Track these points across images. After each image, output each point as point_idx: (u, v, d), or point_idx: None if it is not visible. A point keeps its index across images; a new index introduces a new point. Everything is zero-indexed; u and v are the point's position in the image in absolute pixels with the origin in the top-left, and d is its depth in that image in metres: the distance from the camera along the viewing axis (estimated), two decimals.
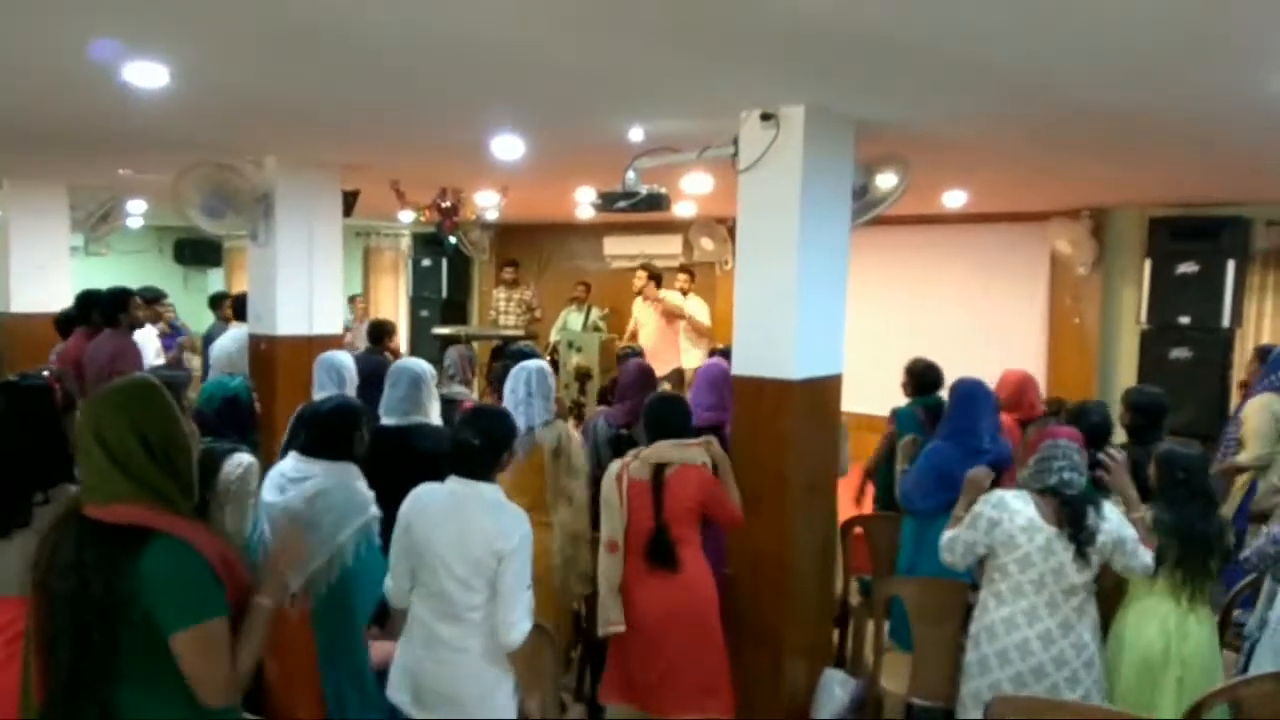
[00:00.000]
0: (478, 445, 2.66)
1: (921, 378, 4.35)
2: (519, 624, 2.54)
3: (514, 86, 3.39)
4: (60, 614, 1.82)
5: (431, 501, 2.68)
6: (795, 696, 3.54)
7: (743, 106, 3.43)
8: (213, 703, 1.86)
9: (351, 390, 3.90)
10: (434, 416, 3.74)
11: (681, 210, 7.74)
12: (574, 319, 9.19)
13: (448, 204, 6.39)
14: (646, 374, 4.38)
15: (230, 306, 6.35)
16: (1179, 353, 6.77)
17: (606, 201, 3.75)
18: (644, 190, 3.78)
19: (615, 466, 3.29)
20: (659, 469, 3.21)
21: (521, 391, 3.68)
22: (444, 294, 10.70)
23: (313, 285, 5.21)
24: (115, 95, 3.42)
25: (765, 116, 3.35)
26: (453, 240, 6.60)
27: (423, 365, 3.77)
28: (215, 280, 12.96)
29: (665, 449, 3.25)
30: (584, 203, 7.03)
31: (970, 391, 3.80)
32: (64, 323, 5.54)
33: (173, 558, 1.81)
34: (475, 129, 4.19)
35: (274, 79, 3.36)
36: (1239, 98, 3.20)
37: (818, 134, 3.40)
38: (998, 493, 2.98)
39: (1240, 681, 2.68)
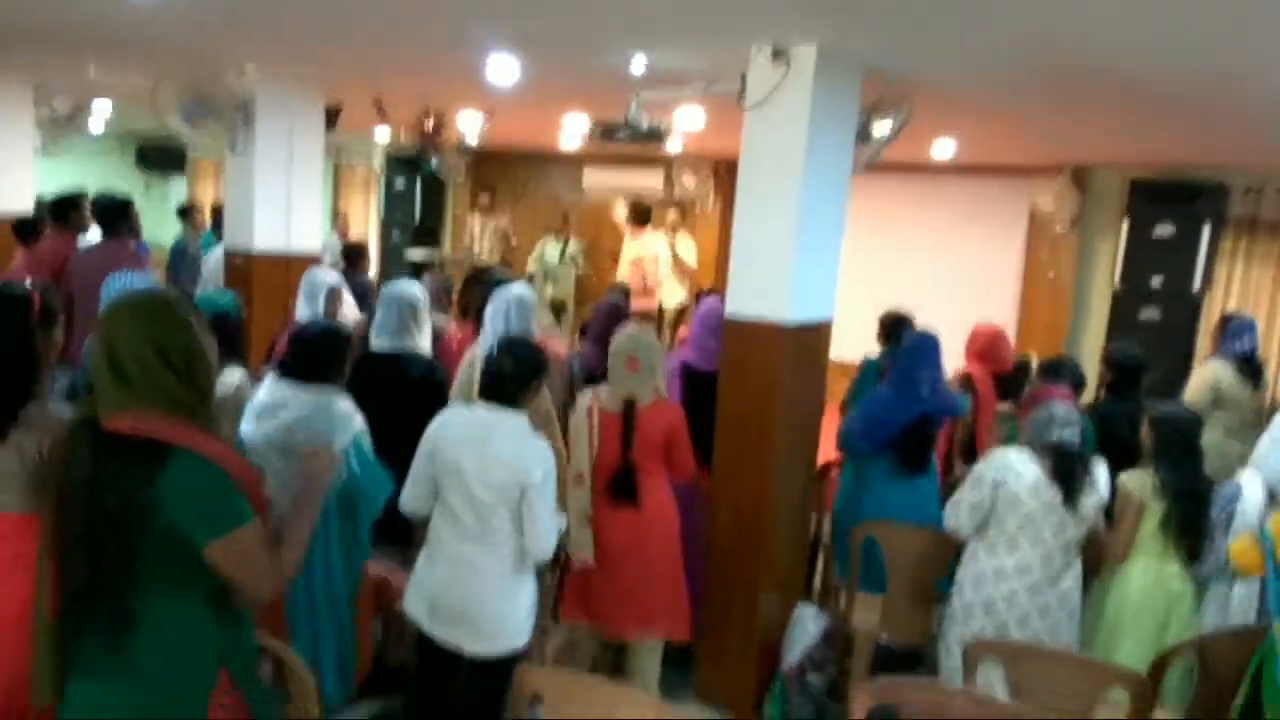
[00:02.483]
0: (510, 372, 2.68)
1: (891, 329, 4.40)
2: (548, 546, 2.71)
3: (516, 2, 3.27)
4: (75, 526, 1.80)
5: (459, 425, 2.73)
6: (768, 631, 3.62)
7: (752, 41, 3.36)
8: (263, 598, 1.94)
9: (333, 311, 3.82)
10: (424, 344, 3.69)
11: (668, 146, 7.63)
12: (551, 250, 9.10)
13: (431, 124, 6.23)
14: (618, 317, 4.33)
15: (210, 217, 6.17)
16: (1148, 314, 6.90)
17: (607, 133, 3.69)
18: (645, 123, 3.71)
19: (586, 399, 3.32)
20: (630, 403, 3.24)
21: (501, 323, 3.64)
22: (417, 218, 10.50)
23: (291, 200, 5.07)
24: None
25: (776, 54, 3.28)
26: (434, 162, 6.43)
27: (415, 289, 3.71)
28: (178, 188, 12.59)
29: (635, 385, 3.26)
30: (570, 132, 6.89)
31: (913, 344, 3.85)
32: (23, 228, 5.34)
33: (194, 473, 1.79)
34: (471, 47, 4.05)
35: None
36: (1232, 63, 3.20)
37: (827, 75, 3.34)
38: (999, 453, 3.03)
39: (1205, 636, 2.79)
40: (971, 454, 4.29)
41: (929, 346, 3.77)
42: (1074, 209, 7.13)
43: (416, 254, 9.34)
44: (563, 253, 9.08)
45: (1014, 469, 2.99)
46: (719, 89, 3.54)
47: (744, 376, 3.55)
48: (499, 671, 2.76)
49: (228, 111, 4.61)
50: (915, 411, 3.68)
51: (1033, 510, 2.96)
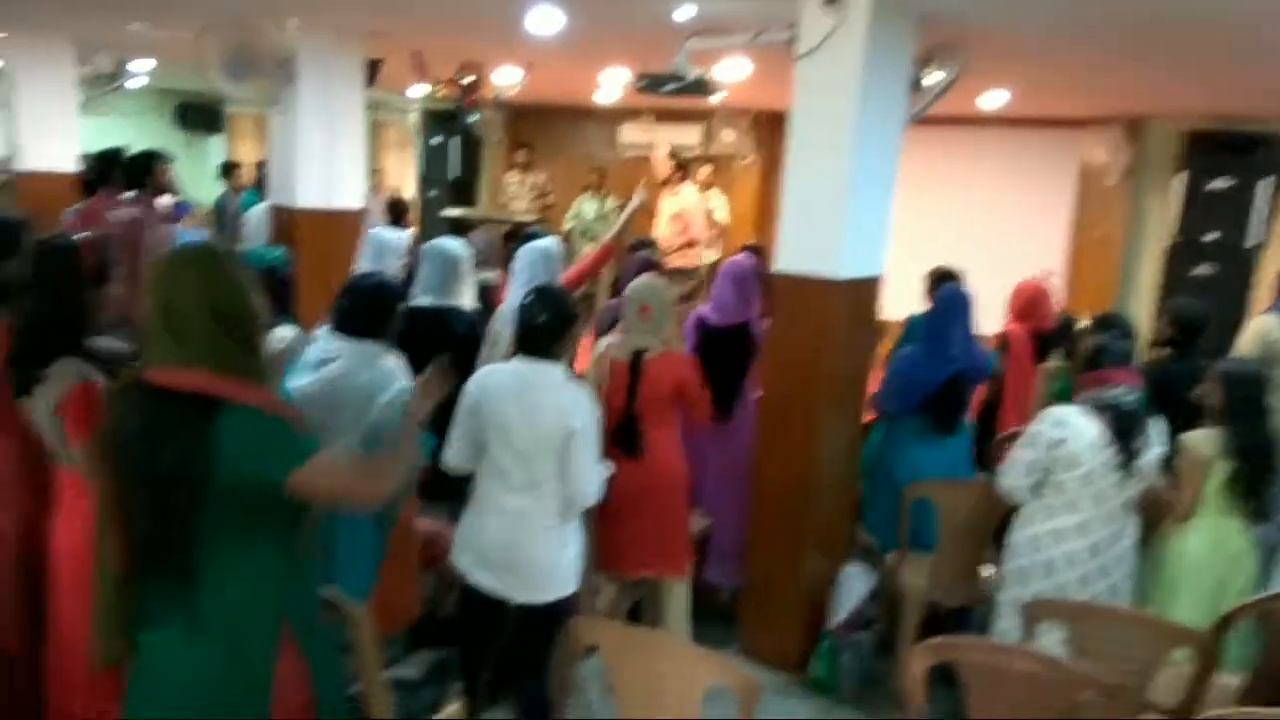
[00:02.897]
0: (544, 323, 2.67)
1: (937, 285, 4.30)
2: (592, 491, 2.74)
3: None
4: (133, 483, 1.81)
5: (498, 381, 2.73)
6: (814, 588, 3.61)
7: None
8: (368, 507, 2.01)
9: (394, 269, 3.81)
10: (467, 299, 3.68)
11: (713, 98, 7.48)
12: (588, 207, 9.02)
13: (469, 79, 6.16)
14: (648, 267, 4.28)
15: (254, 174, 6.18)
16: (1202, 269, 6.74)
17: (653, 84, 3.62)
18: (692, 74, 3.63)
19: (602, 346, 3.33)
20: (638, 354, 3.24)
21: (526, 276, 3.61)
22: (453, 175, 10.46)
23: (333, 156, 5.05)
24: None
25: (829, 0, 3.18)
26: (472, 118, 6.37)
27: (458, 246, 3.69)
28: (216, 147, 12.63)
29: (645, 336, 3.27)
30: (609, 86, 6.79)
31: (943, 301, 3.78)
32: (87, 183, 5.39)
33: (248, 424, 1.79)
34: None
35: None
36: None
37: (882, 21, 3.24)
38: (1057, 410, 2.95)
39: (1270, 597, 2.73)
40: (990, 417, 4.23)
41: (960, 303, 3.71)
42: (1127, 162, 6.92)
43: (454, 211, 9.31)
44: (599, 209, 9.00)
45: (1072, 426, 2.91)
46: (768, 38, 3.45)
47: (794, 332, 3.50)
48: (549, 618, 2.80)
49: (270, 67, 4.58)
50: (947, 371, 3.63)
51: (1092, 469, 2.89)
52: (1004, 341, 4.23)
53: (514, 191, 9.34)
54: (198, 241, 1.89)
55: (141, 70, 7.75)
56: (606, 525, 3.26)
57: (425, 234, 9.45)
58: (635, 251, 4.92)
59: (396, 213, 5.76)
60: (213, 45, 4.46)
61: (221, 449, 1.75)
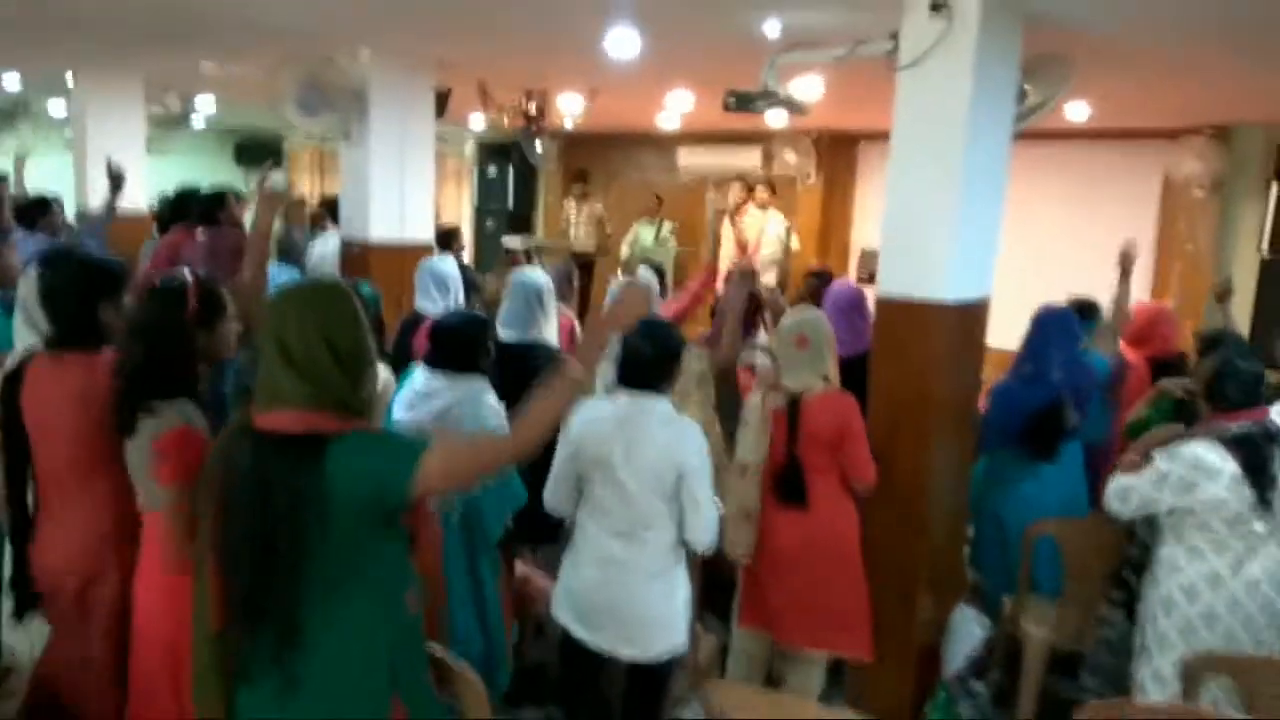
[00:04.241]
0: (651, 356, 2.51)
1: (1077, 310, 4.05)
2: (710, 534, 2.54)
3: None
4: (239, 532, 1.71)
5: (602, 417, 2.57)
6: (928, 635, 3.38)
7: None
8: (514, 462, 1.89)
9: (457, 300, 3.71)
10: (550, 334, 3.54)
11: (770, 120, 7.34)
12: (645, 233, 8.90)
13: (534, 107, 6.09)
14: (750, 296, 4.10)
15: (322, 210, 6.16)
16: None
17: (741, 102, 3.44)
18: (782, 91, 3.47)
19: (759, 393, 3.09)
20: (795, 395, 3.03)
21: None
22: (510, 205, 10.44)
23: (404, 188, 4.98)
24: None
25: (935, 6, 3.01)
26: (539, 147, 6.29)
27: (541, 278, 3.56)
28: (276, 182, 12.81)
29: (804, 373, 3.04)
30: (672, 109, 6.68)
31: (1039, 320, 3.58)
32: (162, 220, 5.40)
33: (356, 444, 1.69)
34: (590, 19, 3.87)
35: None
36: None
37: (990, 28, 3.06)
38: (1190, 450, 2.69)
39: None
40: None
41: (1058, 322, 3.49)
42: (1216, 172, 6.61)
43: (513, 241, 9.25)
44: (657, 234, 8.88)
45: (1207, 466, 2.64)
46: (868, 50, 3.28)
47: (899, 361, 3.29)
48: (658, 675, 2.64)
49: (343, 100, 4.53)
50: (1046, 395, 3.41)
51: (1240, 511, 2.64)
52: (1119, 369, 3.96)
53: (573, 220, 9.26)
54: (318, 278, 1.79)
55: (204, 108, 7.84)
56: (764, 582, 3.07)
57: (480, 265, 9.44)
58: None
59: (446, 241, 5.66)
60: (286, 80, 4.42)
61: (334, 478, 1.65)
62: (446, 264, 3.87)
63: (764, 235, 7.87)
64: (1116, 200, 7.36)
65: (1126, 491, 2.80)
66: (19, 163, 6.41)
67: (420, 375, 2.79)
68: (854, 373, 3.47)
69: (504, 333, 3.47)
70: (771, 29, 3.63)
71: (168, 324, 2.14)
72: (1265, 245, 6.47)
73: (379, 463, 1.69)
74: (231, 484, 1.72)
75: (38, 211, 4.77)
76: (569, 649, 2.72)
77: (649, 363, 2.57)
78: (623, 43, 4.05)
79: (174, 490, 2.05)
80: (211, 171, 11.66)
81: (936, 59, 3.06)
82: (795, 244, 7.92)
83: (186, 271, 2.27)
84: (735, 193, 7.91)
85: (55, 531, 2.36)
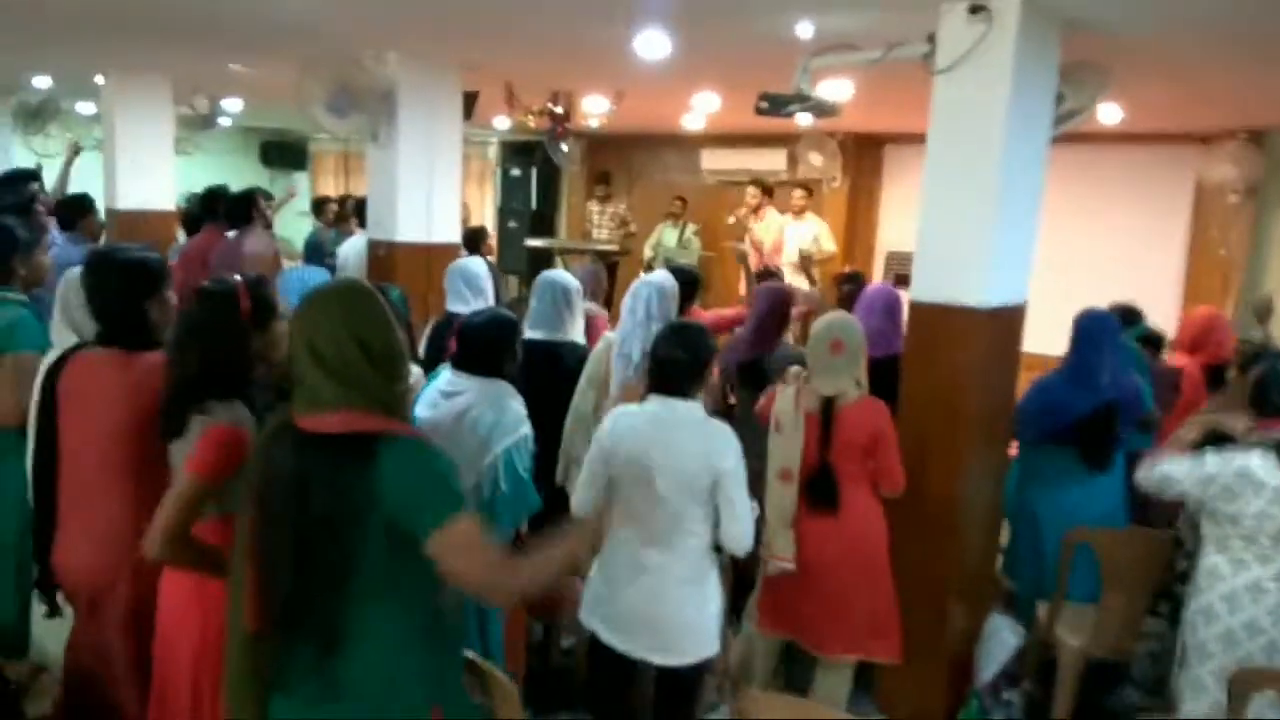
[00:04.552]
0: (682, 361, 2.49)
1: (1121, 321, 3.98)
2: (747, 534, 2.51)
3: None
4: (281, 536, 1.69)
5: (635, 424, 2.55)
6: (958, 642, 3.34)
7: None
8: (497, 602, 1.79)
9: (488, 300, 3.70)
10: (578, 333, 3.53)
11: (797, 122, 7.28)
12: (669, 235, 8.88)
13: (561, 109, 6.08)
14: (782, 301, 4.07)
15: (349, 211, 6.17)
16: None
17: (774, 105, 3.42)
18: (815, 94, 3.44)
19: (792, 390, 3.06)
20: (829, 401, 2.99)
21: (641, 312, 3.32)
22: (533, 205, 10.45)
23: (431, 190, 4.98)
24: None
25: (975, 9, 2.97)
26: (565, 148, 6.28)
27: (569, 278, 3.55)
28: (300, 184, 12.85)
29: (838, 377, 3.01)
30: (698, 110, 6.65)
31: (1090, 326, 3.47)
32: (189, 219, 5.42)
33: (413, 455, 1.67)
34: (619, 21, 3.85)
35: None
36: None
37: (1029, 30, 3.02)
38: (1243, 460, 2.64)
39: None
40: None
41: (1107, 328, 3.42)
42: (1250, 177, 6.51)
43: (537, 241, 9.27)
44: (680, 236, 8.85)
45: (1254, 478, 2.59)
46: (904, 53, 3.24)
47: (933, 367, 3.25)
48: (689, 680, 2.62)
49: (372, 102, 4.53)
50: (1095, 401, 3.33)
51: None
52: (1174, 377, 3.89)
53: (596, 221, 9.26)
54: (342, 279, 1.78)
55: (232, 110, 7.88)
56: (793, 588, 3.04)
57: (505, 267, 9.45)
58: (761, 281, 4.73)
59: (474, 241, 5.64)
60: (314, 82, 4.42)
61: (383, 485, 1.63)
62: (476, 265, 3.86)
63: (784, 240, 7.81)
64: (1149, 205, 7.27)
65: (1168, 479, 2.75)
66: (72, 153, 6.31)
67: (445, 375, 2.78)
68: (884, 374, 3.44)
69: (531, 333, 3.46)
70: (804, 31, 3.59)
71: (223, 326, 2.13)
72: None
73: (426, 491, 1.67)
74: (270, 484, 1.71)
75: (76, 212, 4.77)
76: (598, 654, 2.70)
77: (682, 368, 2.55)
78: (653, 45, 4.02)
79: (193, 480, 2.00)
80: (238, 172, 11.75)
81: (974, 62, 3.02)
82: (831, 246, 7.84)
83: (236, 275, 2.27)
84: (750, 195, 7.84)
85: (78, 529, 2.36)
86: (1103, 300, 4.47)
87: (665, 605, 2.53)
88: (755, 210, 7.85)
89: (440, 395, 2.77)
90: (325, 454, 1.66)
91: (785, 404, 3.05)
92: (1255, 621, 2.58)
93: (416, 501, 1.65)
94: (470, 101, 5.28)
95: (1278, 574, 2.61)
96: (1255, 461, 2.62)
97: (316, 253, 6.36)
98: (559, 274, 3.60)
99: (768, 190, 7.90)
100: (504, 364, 2.78)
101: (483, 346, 2.76)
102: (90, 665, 2.37)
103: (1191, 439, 2.86)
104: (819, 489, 2.99)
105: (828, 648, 3.08)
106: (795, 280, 7.75)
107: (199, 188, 5.74)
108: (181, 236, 5.77)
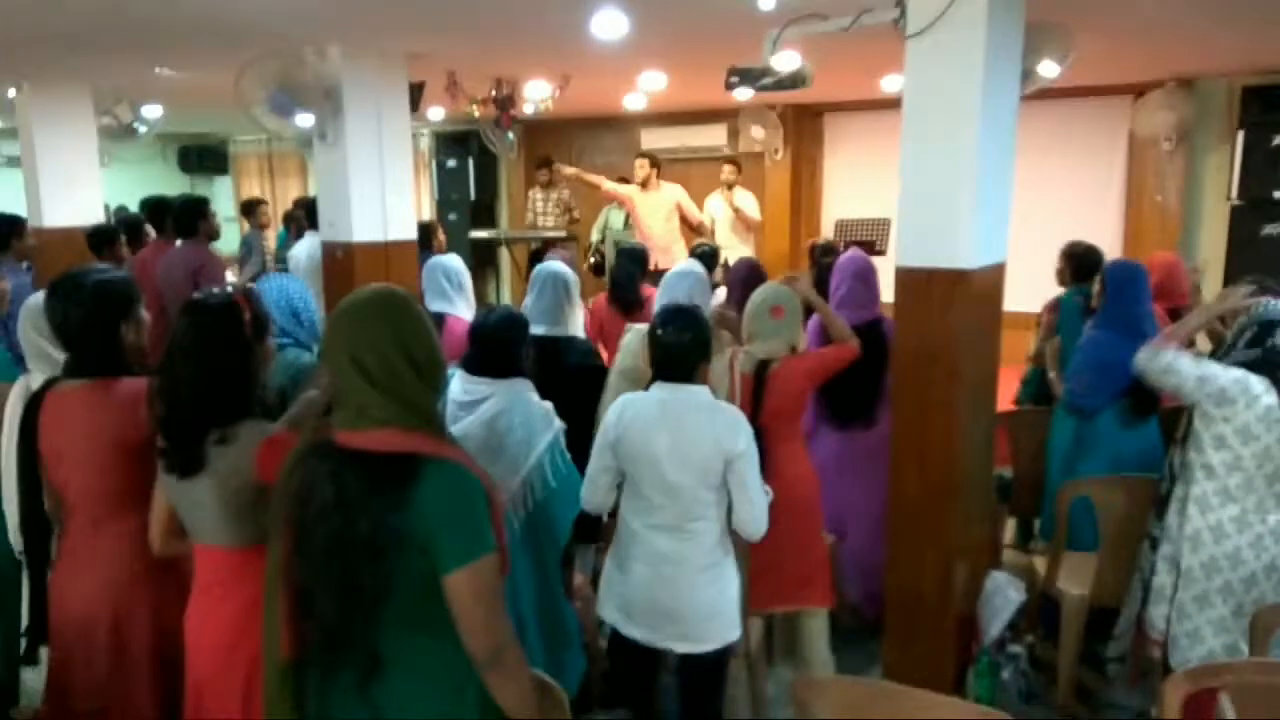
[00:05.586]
0: (689, 343, 2.47)
1: (1082, 261, 4.06)
2: (761, 518, 2.51)
3: None
4: (319, 559, 1.60)
5: (642, 411, 2.50)
6: (962, 599, 3.38)
7: None
8: (480, 656, 1.62)
9: (469, 296, 3.61)
10: (578, 326, 3.46)
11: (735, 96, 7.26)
12: (615, 217, 8.76)
13: (505, 95, 5.94)
14: (756, 271, 4.06)
15: (302, 214, 5.95)
16: (1271, 229, 6.51)
17: (745, 79, 3.39)
18: (785, 67, 3.41)
19: (726, 354, 3.09)
20: (763, 365, 3.04)
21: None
22: (472, 196, 10.24)
23: (385, 186, 4.82)
24: None
25: None
26: (511, 136, 6.15)
27: (568, 270, 3.47)
28: (223, 188, 12.41)
29: (774, 341, 3.10)
30: (642, 90, 6.58)
31: (1128, 275, 3.54)
32: (96, 237, 5.12)
33: (455, 483, 1.59)
34: (574, 3, 3.75)
35: None
36: None
37: None
38: (1243, 372, 2.69)
39: None
40: None
41: (1140, 276, 3.49)
42: (1183, 122, 6.69)
43: (481, 233, 9.09)
44: (626, 218, 8.77)
45: (1249, 391, 2.64)
46: (873, 19, 3.22)
47: (923, 331, 3.26)
48: (715, 666, 2.61)
49: (316, 99, 4.35)
50: None
51: (1269, 445, 2.65)
52: None
53: (540, 209, 9.11)
54: (376, 287, 1.69)
55: (152, 117, 7.53)
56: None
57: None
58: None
59: (425, 236, 5.47)
60: (255, 82, 4.23)
61: (423, 509, 1.56)
62: (454, 260, 3.76)
63: (741, 212, 7.82)
64: (1085, 157, 7.43)
65: (1171, 368, 2.77)
66: None
67: (459, 383, 2.66)
68: (874, 337, 3.51)
69: (533, 327, 3.38)
70: (766, 3, 3.54)
71: (226, 341, 1.98)
72: (1234, 192, 6.57)
73: (460, 524, 1.59)
74: (307, 506, 1.62)
75: (4, 234, 4.49)
76: (618, 647, 2.67)
77: (686, 352, 2.52)
78: (611, 25, 3.94)
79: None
80: (157, 180, 11.29)
81: (949, 24, 3.02)
82: (757, 215, 7.88)
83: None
84: (639, 166, 7.78)
85: (82, 568, 2.23)
86: (1048, 254, 4.59)
87: (685, 594, 2.51)
88: (643, 184, 7.75)
89: (458, 407, 2.63)
90: (368, 474, 1.58)
91: (718, 367, 3.01)
92: (1238, 552, 2.64)
93: (449, 532, 1.58)
94: (416, 93, 5.13)
95: (1257, 504, 2.67)
96: (1254, 378, 2.68)
97: (252, 255, 6.14)
98: (558, 266, 3.52)
99: (655, 163, 7.83)
100: (519, 361, 2.69)
101: (500, 347, 2.66)
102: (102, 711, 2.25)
103: (1194, 324, 2.97)
104: None
105: (768, 603, 3.10)
106: (740, 250, 7.79)
107: (120, 200, 5.47)
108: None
